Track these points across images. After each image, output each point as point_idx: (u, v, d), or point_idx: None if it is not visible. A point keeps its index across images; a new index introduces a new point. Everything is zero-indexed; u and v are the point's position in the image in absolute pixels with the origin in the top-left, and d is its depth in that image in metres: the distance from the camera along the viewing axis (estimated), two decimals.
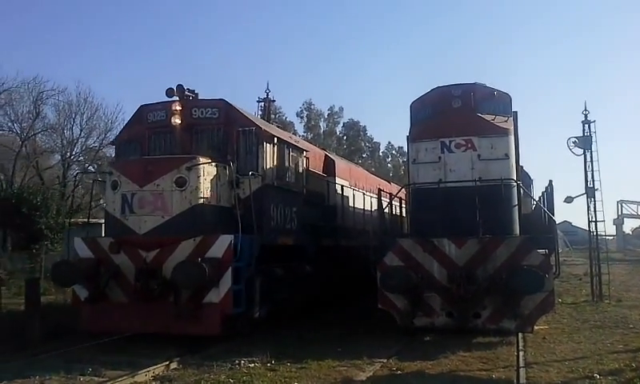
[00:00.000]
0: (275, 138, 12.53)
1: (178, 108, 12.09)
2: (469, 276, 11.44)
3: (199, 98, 12.53)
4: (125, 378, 8.73)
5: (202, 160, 11.10)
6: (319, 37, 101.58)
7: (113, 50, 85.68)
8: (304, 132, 63.09)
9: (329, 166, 17.00)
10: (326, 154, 17.65)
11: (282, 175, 12.85)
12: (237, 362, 9.64)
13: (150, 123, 12.57)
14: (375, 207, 21.27)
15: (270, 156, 12.30)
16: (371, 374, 9.11)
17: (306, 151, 14.17)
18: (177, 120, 12.11)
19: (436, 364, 9.61)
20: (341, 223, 16.70)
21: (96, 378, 8.81)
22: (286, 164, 13.10)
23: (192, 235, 10.78)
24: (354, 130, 69.18)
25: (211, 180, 11.28)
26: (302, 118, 66.32)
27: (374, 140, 71.52)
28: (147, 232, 10.89)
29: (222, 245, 10.71)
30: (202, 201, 11.00)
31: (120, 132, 13.89)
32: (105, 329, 11.11)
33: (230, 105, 12.32)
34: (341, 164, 18.63)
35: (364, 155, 69.06)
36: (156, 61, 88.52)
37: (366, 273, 18.55)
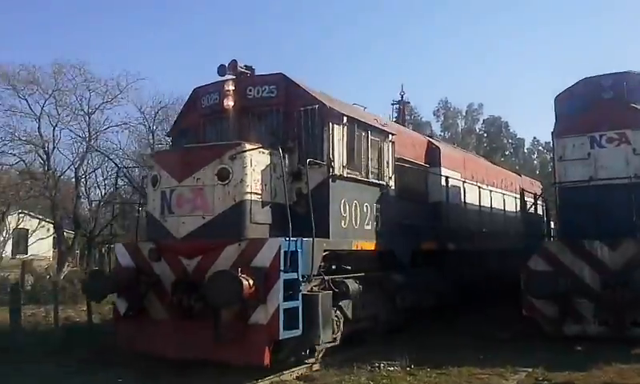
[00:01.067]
0: (345, 118, 10.10)
1: (231, 88, 10.12)
2: (625, 281, 10.56)
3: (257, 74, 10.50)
4: (271, 377, 8.78)
5: (248, 146, 9.03)
6: (453, 33, 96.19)
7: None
8: (441, 131, 60.18)
9: (432, 155, 14.29)
10: (428, 141, 14.90)
11: (356, 164, 10.44)
12: (376, 364, 9.66)
13: (203, 108, 10.75)
14: (501, 204, 18.45)
15: (338, 140, 9.93)
16: (515, 383, 8.92)
17: (392, 134, 11.57)
18: (229, 102, 10.16)
19: (587, 376, 8.98)
20: (449, 223, 13.91)
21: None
22: (363, 150, 10.66)
23: (237, 239, 8.76)
24: (495, 127, 64.80)
25: (262, 171, 9.17)
26: (438, 117, 63.32)
27: (518, 136, 66.38)
28: (186, 235, 9.03)
29: (269, 251, 8.56)
30: (249, 196, 8.92)
31: (175, 121, 12.24)
32: (142, 349, 9.41)
33: (290, 80, 10.12)
34: (449, 152, 15.77)
35: (506, 153, 64.24)
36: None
37: (486, 280, 15.97)
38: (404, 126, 16.19)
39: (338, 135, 9.90)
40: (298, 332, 8.68)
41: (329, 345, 9.70)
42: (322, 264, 9.55)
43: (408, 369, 9.44)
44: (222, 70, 10.17)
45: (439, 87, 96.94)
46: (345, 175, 10.01)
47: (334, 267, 10.08)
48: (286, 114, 10.03)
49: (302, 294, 8.85)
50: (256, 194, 9.00)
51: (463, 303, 14.86)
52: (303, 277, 8.79)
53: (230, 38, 79.83)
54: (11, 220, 31.79)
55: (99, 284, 9.46)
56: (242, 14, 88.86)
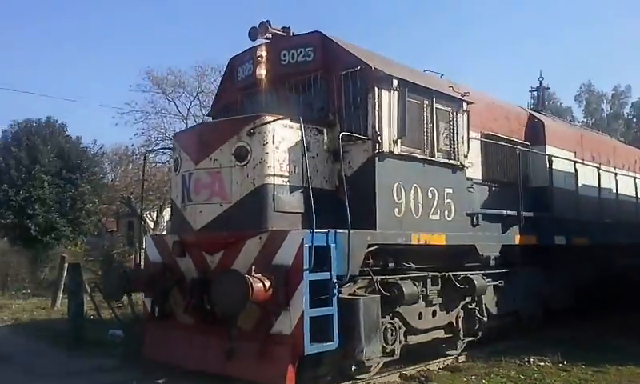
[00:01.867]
0: (396, 81, 8.17)
1: (263, 53, 8.60)
2: None
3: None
4: (417, 366, 8.69)
5: (269, 119, 7.47)
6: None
7: None
8: (583, 117, 54.81)
9: (534, 131, 11.89)
10: (530, 114, 12.45)
11: (415, 139, 8.49)
12: (526, 359, 9.29)
13: (240, 81, 9.33)
14: (632, 190, 15.37)
15: (387, 109, 8.06)
16: None
17: (467, 103, 9.41)
18: (261, 71, 8.64)
19: None
20: (556, 213, 11.44)
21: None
22: (426, 122, 8.67)
23: (258, 231, 7.26)
24: None
25: (290, 149, 7.57)
26: (579, 102, 57.88)
27: None
28: (203, 227, 7.67)
29: (291, 246, 6.95)
30: (271, 180, 7.36)
31: (215, 97, 10.90)
32: (165, 358, 8.19)
33: (329, 38, 8.36)
34: (557, 128, 13.17)
35: None
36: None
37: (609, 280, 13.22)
38: (541, 113, 13.70)
39: (387, 103, 8.02)
40: (332, 345, 6.98)
41: (384, 359, 7.93)
42: (371, 261, 7.78)
43: (560, 365, 9.00)
44: (252, 33, 8.68)
45: (581, 69, 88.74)
46: (398, 153, 8.11)
47: (391, 265, 8.27)
48: (326, 81, 8.33)
49: (340, 299, 7.16)
50: (282, 176, 7.41)
51: (579, 308, 12.29)
52: (339, 277, 7.07)
53: None
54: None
55: (114, 282, 8.35)
56: None
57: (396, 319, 8.09)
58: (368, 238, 7.53)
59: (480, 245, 9.37)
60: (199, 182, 7.74)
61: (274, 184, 7.36)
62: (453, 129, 9.07)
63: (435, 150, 8.72)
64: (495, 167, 10.65)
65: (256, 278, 6.69)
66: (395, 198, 8.04)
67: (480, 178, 10.28)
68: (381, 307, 7.60)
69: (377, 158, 7.83)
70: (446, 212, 8.86)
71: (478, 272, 9.39)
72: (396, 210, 8.04)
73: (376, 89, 7.90)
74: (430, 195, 8.58)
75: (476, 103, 10.03)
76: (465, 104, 9.30)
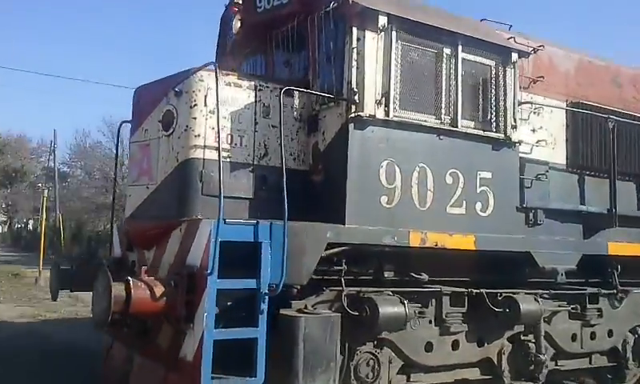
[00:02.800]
0: (384, 19, 5.79)
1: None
2: None
3: None
4: None
5: (200, 74, 5.64)
6: None
7: None
8: None
9: None
10: None
11: (421, 100, 6.08)
12: None
13: (230, 40, 7.63)
14: None
15: (373, 58, 5.76)
16: None
17: (519, 52, 6.69)
18: (237, 23, 6.90)
19: None
20: None
21: None
22: (442, 78, 6.19)
23: (179, 220, 5.51)
24: None
25: (235, 114, 5.70)
26: None
27: None
28: (130, 215, 6.12)
29: (200, 240, 5.10)
30: (199, 153, 5.54)
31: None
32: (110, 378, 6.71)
33: None
34: None
35: None
36: None
37: None
38: None
39: (371, 48, 5.75)
40: (254, 382, 4.99)
41: None
42: (344, 267, 5.63)
43: None
44: None
45: None
46: (390, 119, 5.81)
47: (390, 275, 6.04)
48: (305, 28, 6.30)
49: (278, 316, 5.18)
50: (217, 149, 5.55)
51: None
52: (271, 286, 5.06)
53: None
54: None
55: (55, 279, 7.06)
56: None
57: (384, 350, 5.82)
58: (328, 234, 5.38)
59: (539, 253, 6.63)
60: (133, 159, 6.23)
61: (203, 159, 5.54)
62: (495, 89, 6.48)
63: (460, 117, 6.23)
64: (590, 149, 7.73)
65: (144, 282, 4.96)
66: (383, 181, 5.75)
67: (564, 162, 7.53)
68: (355, 331, 5.46)
69: (352, 125, 5.64)
70: (479, 204, 6.31)
71: (536, 291, 6.69)
72: (384, 198, 5.75)
73: (354, 30, 5.70)
74: (449, 180, 6.13)
75: (557, 60, 7.35)
76: (514, 54, 6.63)
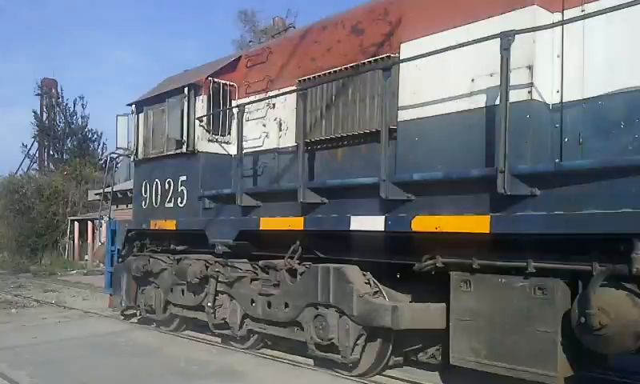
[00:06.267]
0: (134, 106, 10.20)
1: None
2: None
3: None
4: None
5: None
6: None
7: None
8: None
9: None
10: None
11: (156, 142, 9.99)
12: None
13: None
14: None
15: (138, 128, 10.37)
16: None
17: (196, 85, 8.70)
18: None
19: None
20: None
21: None
22: (163, 122, 9.68)
23: None
24: None
25: None
26: None
27: None
28: None
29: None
30: None
31: None
32: None
33: None
34: None
35: None
36: None
37: None
38: None
39: (137, 123, 10.47)
40: (111, 290, 11.36)
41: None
42: (147, 242, 10.61)
43: None
44: None
45: None
46: (144, 157, 10.31)
47: (177, 246, 10.25)
48: None
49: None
50: None
51: None
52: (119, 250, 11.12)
53: None
54: None
55: None
56: None
57: (158, 289, 10.13)
58: (126, 224, 10.73)
59: (209, 230, 8.75)
60: None
61: None
62: (182, 118, 9.29)
63: (166, 145, 9.65)
64: (312, 124, 8.00)
65: None
66: (143, 193, 10.31)
67: (293, 144, 8.40)
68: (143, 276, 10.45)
69: (133, 165, 10.66)
70: (179, 199, 9.43)
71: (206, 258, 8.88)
72: (143, 202, 10.30)
73: (134, 115, 10.57)
74: (166, 186, 9.74)
75: (282, 50, 8.70)
76: (185, 88, 9.11)
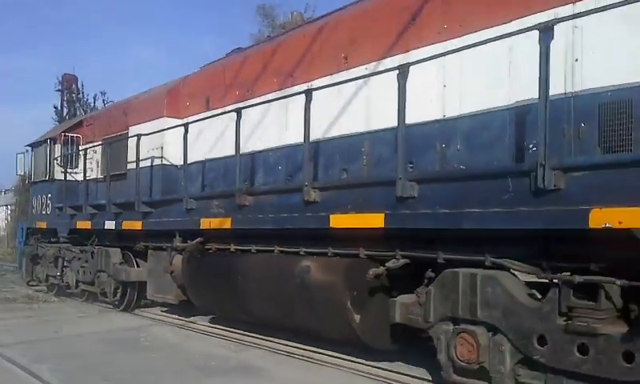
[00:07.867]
0: (30, 147, 15.90)
1: None
2: None
3: None
4: None
5: None
6: None
7: None
8: None
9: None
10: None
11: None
12: None
13: None
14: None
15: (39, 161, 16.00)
16: None
17: (53, 139, 14.40)
18: None
19: None
20: None
21: None
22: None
23: None
24: None
25: None
26: None
27: None
28: None
29: None
30: None
31: None
32: None
33: None
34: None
35: None
36: None
37: None
38: None
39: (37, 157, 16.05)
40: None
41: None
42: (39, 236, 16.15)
43: None
44: None
45: None
46: (37, 181, 15.93)
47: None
48: None
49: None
50: None
51: None
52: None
53: None
54: None
55: None
56: None
57: (42, 266, 15.64)
58: (25, 224, 16.38)
59: (59, 228, 14.27)
60: None
61: None
62: (47, 157, 14.78)
63: (41, 174, 15.18)
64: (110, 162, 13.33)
65: None
66: (33, 203, 15.87)
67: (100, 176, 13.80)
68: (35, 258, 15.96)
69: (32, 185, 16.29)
70: (48, 208, 14.96)
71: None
72: (33, 210, 15.86)
73: (30, 153, 16.08)
74: (42, 200, 15.27)
75: (93, 120, 14.22)
76: (53, 139, 14.61)
